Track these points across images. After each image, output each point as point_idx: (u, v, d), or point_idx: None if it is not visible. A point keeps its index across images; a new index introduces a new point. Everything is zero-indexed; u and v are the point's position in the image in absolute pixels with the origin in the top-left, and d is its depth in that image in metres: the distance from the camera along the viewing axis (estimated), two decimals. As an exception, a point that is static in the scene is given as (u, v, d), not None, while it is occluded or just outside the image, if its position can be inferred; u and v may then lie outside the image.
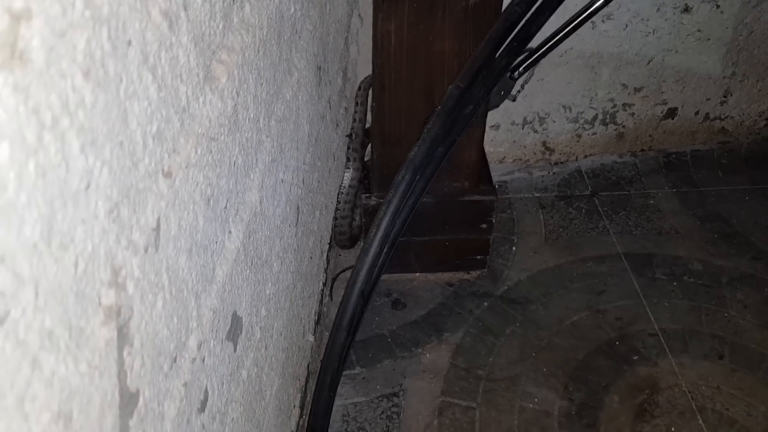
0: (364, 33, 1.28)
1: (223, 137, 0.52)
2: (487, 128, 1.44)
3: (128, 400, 0.39)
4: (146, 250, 0.40)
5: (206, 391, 0.54)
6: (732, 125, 1.60)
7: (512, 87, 1.01)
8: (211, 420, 0.56)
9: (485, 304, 1.27)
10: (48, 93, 0.28)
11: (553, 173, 1.54)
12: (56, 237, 0.30)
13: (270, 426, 0.79)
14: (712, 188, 1.52)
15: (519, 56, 0.96)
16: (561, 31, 1.00)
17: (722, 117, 1.59)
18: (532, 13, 0.92)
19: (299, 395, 0.96)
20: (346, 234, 1.25)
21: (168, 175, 0.43)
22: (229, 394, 0.61)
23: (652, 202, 1.48)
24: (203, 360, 0.52)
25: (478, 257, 1.29)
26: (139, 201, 0.39)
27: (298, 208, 0.85)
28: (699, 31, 1.45)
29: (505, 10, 0.91)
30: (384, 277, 1.23)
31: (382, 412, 1.10)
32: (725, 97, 1.56)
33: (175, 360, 0.46)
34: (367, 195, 1.22)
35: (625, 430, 1.08)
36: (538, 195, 1.50)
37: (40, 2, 0.27)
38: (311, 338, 1.03)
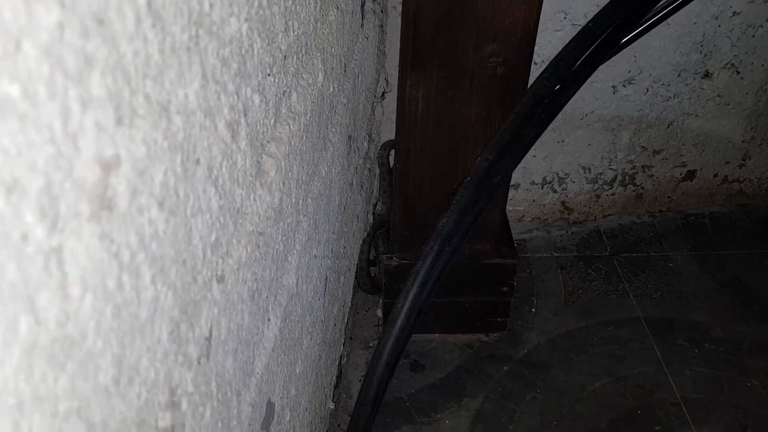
0: (388, 95, 1.28)
1: (269, 230, 0.52)
2: (507, 188, 1.44)
3: None
4: (199, 362, 0.39)
5: (242, 488, 0.52)
6: (751, 188, 1.60)
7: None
8: None
9: (505, 368, 1.25)
10: (128, 233, 0.28)
11: (572, 233, 1.54)
12: (125, 374, 0.29)
13: (294, 505, 0.77)
14: (731, 252, 1.51)
15: (547, 127, 0.97)
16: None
17: (741, 180, 1.59)
18: (561, 87, 0.92)
19: (319, 466, 0.94)
20: (368, 284, 1.26)
21: (221, 279, 0.42)
22: (261, 484, 0.59)
23: (671, 265, 1.47)
24: (241, 457, 0.51)
25: (498, 319, 1.27)
26: (195, 313, 0.38)
27: (326, 278, 0.85)
28: (719, 96, 1.45)
29: (533, 84, 0.91)
30: (403, 338, 1.22)
31: (401, 482, 1.08)
32: (744, 160, 1.56)
33: (217, 464, 0.45)
34: (389, 255, 1.21)
35: (649, 506, 1.05)
36: (557, 255, 1.49)
37: (127, 147, 0.27)
38: (331, 405, 1.01)
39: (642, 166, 1.52)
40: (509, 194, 1.47)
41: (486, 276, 1.22)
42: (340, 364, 1.13)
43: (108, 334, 0.27)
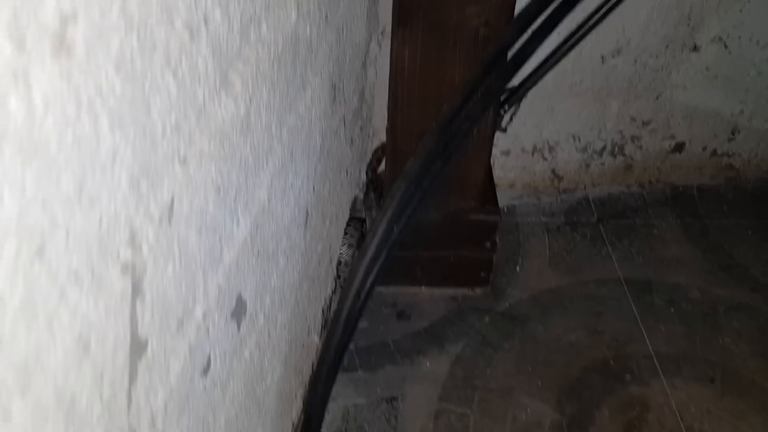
0: (382, 59, 1.36)
1: (236, 138, 0.60)
2: (498, 154, 1.51)
3: (138, 346, 0.47)
4: (160, 222, 0.48)
5: (209, 359, 0.61)
6: (739, 162, 1.65)
7: (502, 119, 1.09)
8: (213, 386, 0.63)
9: (486, 319, 1.32)
10: (86, 79, 0.36)
11: (561, 200, 1.60)
12: (86, 195, 0.38)
13: (270, 410, 0.86)
14: (716, 221, 1.56)
15: (512, 77, 1.04)
16: (540, 67, 1.08)
17: (730, 154, 1.64)
18: (526, 41, 0.99)
19: (302, 389, 1.03)
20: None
21: (184, 161, 0.51)
22: (231, 368, 0.68)
23: (656, 231, 1.53)
24: (207, 330, 0.60)
25: (482, 274, 1.35)
26: (157, 179, 0.47)
27: (307, 212, 0.93)
28: (707, 69, 1.50)
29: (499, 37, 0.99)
30: (391, 289, 1.30)
31: (381, 414, 1.16)
32: (733, 134, 1.61)
33: (181, 323, 0.54)
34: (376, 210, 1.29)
35: (612, 444, 1.12)
36: (545, 220, 1.56)
37: (84, 8, 0.35)
38: (316, 338, 1.10)
39: (631, 137, 1.57)
40: (500, 160, 1.55)
41: (470, 231, 1.30)
42: (330, 308, 1.21)
43: (69, 155, 0.36)
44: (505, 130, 1.14)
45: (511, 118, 1.14)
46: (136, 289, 0.45)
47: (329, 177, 1.05)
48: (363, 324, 1.28)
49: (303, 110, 0.83)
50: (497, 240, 1.30)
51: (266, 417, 0.85)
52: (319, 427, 0.94)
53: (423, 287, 1.37)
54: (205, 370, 0.60)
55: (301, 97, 0.82)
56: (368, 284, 0.92)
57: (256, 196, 0.69)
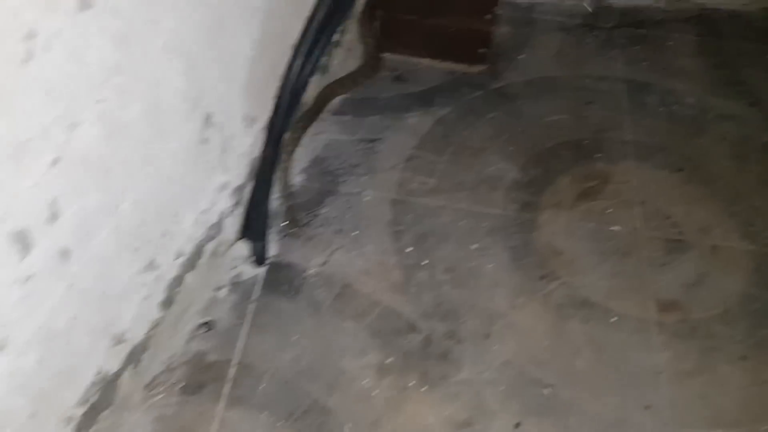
0: None
1: None
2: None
3: None
4: None
5: None
6: (778, -9, 1.60)
7: None
8: None
9: (477, 93, 1.39)
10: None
11: (584, 5, 1.61)
12: None
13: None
14: (736, 43, 1.54)
15: None
16: None
17: (770, -20, 1.59)
18: None
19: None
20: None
21: None
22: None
23: (671, 44, 1.53)
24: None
25: (480, 50, 1.40)
26: None
27: None
28: None
29: None
30: (394, 56, 1.39)
31: (360, 150, 1.27)
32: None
33: None
34: None
35: (565, 201, 1.20)
36: (562, 19, 1.57)
37: None
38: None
39: (668, -53, 1.54)
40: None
41: (470, 1, 1.34)
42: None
43: None
44: None
45: None
46: None
47: None
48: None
49: None
50: (497, 12, 1.34)
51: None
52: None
53: (425, 59, 1.44)
54: None
55: None
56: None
57: None
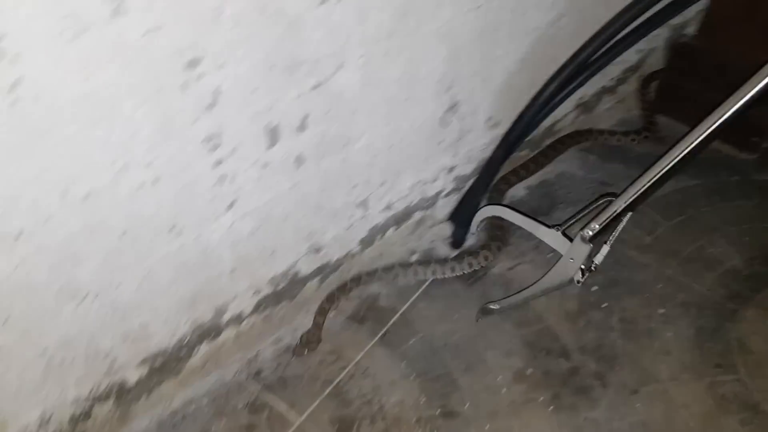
0: None
1: None
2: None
3: None
4: None
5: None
6: None
7: None
8: None
9: (735, 177, 1.35)
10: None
11: None
12: None
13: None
14: None
15: None
16: None
17: None
18: None
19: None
20: None
21: None
22: None
23: None
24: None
25: (754, 139, 1.35)
26: None
27: None
28: None
29: None
30: (663, 118, 1.40)
31: (590, 189, 1.31)
32: None
33: None
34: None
35: (779, 307, 1.13)
36: None
37: None
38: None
39: None
40: None
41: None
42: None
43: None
44: None
45: None
46: None
47: None
48: None
49: None
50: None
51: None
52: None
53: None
54: None
55: None
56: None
57: None
